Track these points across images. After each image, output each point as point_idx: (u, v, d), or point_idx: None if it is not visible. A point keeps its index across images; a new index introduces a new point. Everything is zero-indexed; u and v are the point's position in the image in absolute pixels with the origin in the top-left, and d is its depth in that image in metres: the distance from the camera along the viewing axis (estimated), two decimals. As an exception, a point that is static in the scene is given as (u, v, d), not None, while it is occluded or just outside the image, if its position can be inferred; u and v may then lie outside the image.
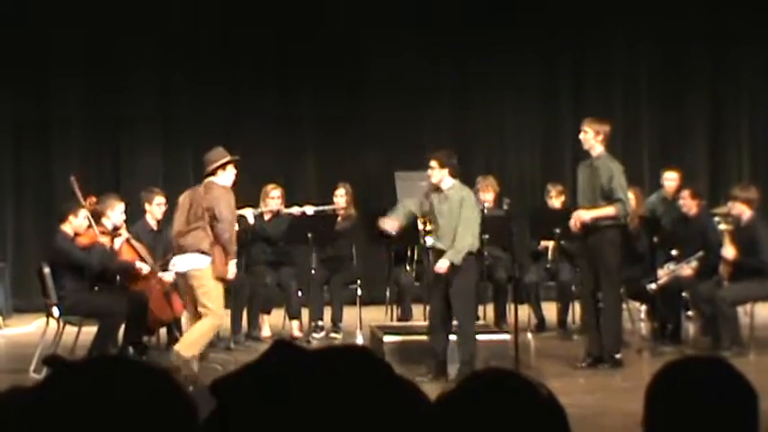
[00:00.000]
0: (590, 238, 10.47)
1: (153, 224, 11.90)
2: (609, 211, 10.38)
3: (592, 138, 10.61)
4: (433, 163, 10.01)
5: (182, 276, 10.18)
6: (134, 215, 11.88)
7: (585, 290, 10.80)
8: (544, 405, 1.87)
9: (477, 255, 10.26)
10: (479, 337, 10.38)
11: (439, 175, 9.96)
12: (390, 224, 10.40)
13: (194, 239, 9.93)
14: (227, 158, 10.20)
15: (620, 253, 10.60)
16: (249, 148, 16.08)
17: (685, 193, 12.04)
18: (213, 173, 10.12)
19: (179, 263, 10.11)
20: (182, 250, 10.06)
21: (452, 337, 10.05)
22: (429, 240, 12.47)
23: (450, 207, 9.90)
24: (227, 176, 10.15)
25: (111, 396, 1.64)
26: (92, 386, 1.65)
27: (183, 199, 10.27)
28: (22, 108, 15.80)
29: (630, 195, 12.10)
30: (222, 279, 10.01)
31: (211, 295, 9.91)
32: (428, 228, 12.74)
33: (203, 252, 9.88)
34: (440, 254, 9.94)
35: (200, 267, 9.90)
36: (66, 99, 15.79)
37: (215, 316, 9.98)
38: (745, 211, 11.31)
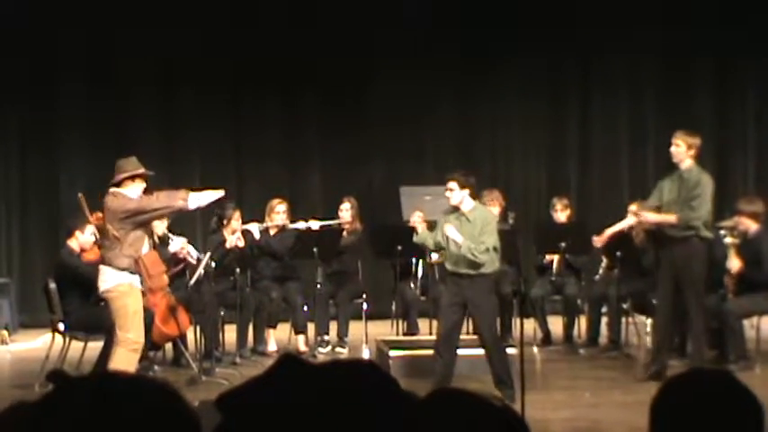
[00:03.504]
0: (674, 250, 10.38)
1: (154, 239, 11.88)
2: (671, 218, 10.32)
3: (684, 151, 10.49)
4: (453, 184, 9.72)
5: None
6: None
7: (666, 303, 10.62)
8: (501, 415, 1.88)
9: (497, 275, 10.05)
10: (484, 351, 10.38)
11: (459, 196, 9.70)
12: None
13: (110, 256, 9.36)
14: (140, 171, 9.49)
15: (704, 265, 10.46)
16: (254, 162, 16.17)
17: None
18: (120, 183, 9.42)
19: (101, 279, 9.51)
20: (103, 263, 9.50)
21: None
22: (435, 255, 12.46)
23: (471, 231, 9.73)
24: (134, 190, 9.41)
25: (115, 412, 1.64)
26: (96, 402, 1.65)
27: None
28: (27, 122, 15.81)
29: (635, 208, 12.11)
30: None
31: (126, 317, 9.29)
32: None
33: (122, 269, 9.29)
34: (455, 276, 9.79)
35: (115, 286, 9.32)
36: (72, 112, 15.78)
37: (126, 342, 9.27)
38: (751, 226, 11.29)
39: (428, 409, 1.89)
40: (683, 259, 10.29)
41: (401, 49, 15.94)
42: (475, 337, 10.10)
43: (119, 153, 15.99)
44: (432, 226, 10.27)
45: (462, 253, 9.62)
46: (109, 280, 9.36)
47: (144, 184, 9.51)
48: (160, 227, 11.80)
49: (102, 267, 9.44)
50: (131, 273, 9.33)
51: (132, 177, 9.43)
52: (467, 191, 9.72)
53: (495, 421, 1.88)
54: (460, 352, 9.97)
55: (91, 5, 15.53)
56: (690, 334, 10.81)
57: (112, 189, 9.44)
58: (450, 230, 9.73)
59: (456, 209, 9.78)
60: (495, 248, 9.67)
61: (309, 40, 15.82)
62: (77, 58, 15.62)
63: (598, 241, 11.29)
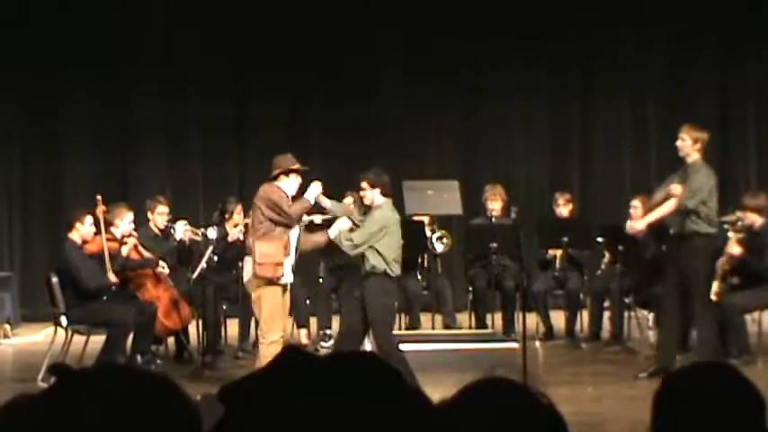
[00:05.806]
0: (679, 248, 10.39)
1: (156, 231, 11.89)
2: (665, 210, 10.34)
3: (690, 145, 10.47)
4: (364, 184, 9.63)
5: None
6: (139, 221, 11.85)
7: (672, 301, 10.58)
8: (544, 414, 1.87)
9: (395, 278, 9.83)
10: (488, 345, 10.40)
11: (371, 195, 9.61)
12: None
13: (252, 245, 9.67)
14: (293, 166, 9.84)
15: (708, 262, 10.52)
16: (257, 157, 16.16)
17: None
18: (277, 177, 9.79)
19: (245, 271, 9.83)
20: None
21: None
22: (439, 247, 12.47)
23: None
24: (289, 184, 9.78)
25: (116, 405, 1.64)
26: (97, 395, 1.65)
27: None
28: (30, 117, 15.81)
29: (638, 203, 12.06)
30: (274, 283, 9.66)
31: (261, 306, 9.65)
32: (438, 234, 12.74)
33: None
34: (361, 275, 9.71)
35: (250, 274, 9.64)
36: (75, 107, 15.79)
37: (266, 332, 9.59)
38: (756, 220, 11.30)
39: (472, 394, 1.89)
40: (687, 257, 10.28)
41: (405, 46, 15.91)
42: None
43: (122, 149, 16.09)
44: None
45: (335, 232, 9.76)
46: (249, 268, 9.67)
47: (299, 179, 9.86)
48: (160, 221, 11.82)
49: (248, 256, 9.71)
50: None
51: (287, 172, 9.75)
52: (377, 189, 9.60)
53: (538, 417, 1.87)
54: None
55: (96, 5, 15.55)
56: (696, 331, 10.72)
57: (272, 183, 9.78)
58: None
59: (369, 207, 9.70)
60: (378, 251, 9.47)
61: (312, 40, 15.80)
62: (81, 58, 15.59)
63: (634, 228, 11.08)
